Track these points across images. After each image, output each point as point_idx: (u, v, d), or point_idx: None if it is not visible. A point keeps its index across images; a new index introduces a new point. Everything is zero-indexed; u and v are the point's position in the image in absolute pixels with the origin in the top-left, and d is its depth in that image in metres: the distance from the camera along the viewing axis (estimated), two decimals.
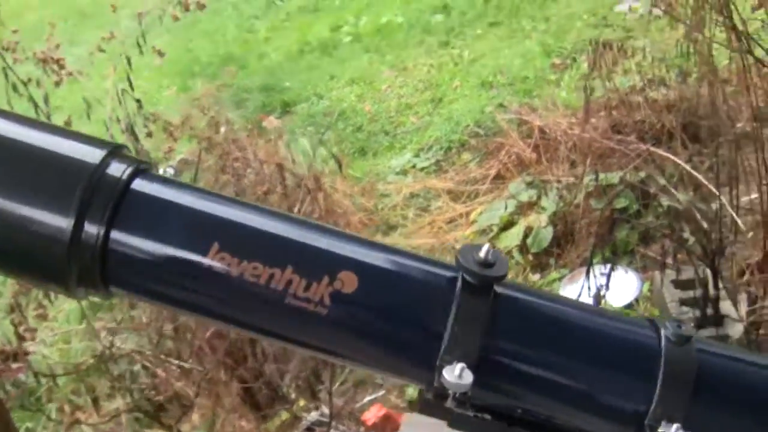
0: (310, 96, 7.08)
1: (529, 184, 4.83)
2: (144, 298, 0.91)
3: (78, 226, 0.78)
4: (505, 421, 0.87)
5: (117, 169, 0.81)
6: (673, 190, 4.04)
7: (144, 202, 0.83)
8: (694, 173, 4.15)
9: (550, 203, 4.58)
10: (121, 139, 4.50)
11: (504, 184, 5.05)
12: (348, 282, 0.81)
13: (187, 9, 4.50)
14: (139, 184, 0.82)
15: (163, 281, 0.84)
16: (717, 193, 4.07)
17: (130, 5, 5.45)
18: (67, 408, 3.52)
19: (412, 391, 3.86)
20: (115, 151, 0.82)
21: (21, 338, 2.72)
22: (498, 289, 0.83)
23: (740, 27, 3.72)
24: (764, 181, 4.02)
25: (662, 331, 0.85)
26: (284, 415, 3.71)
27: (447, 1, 7.99)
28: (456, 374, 0.78)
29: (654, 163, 4.24)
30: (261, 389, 3.66)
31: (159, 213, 0.83)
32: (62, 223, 0.78)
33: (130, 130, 4.48)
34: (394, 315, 0.84)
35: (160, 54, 4.57)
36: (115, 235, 0.80)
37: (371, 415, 3.64)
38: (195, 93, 6.77)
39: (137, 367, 3.76)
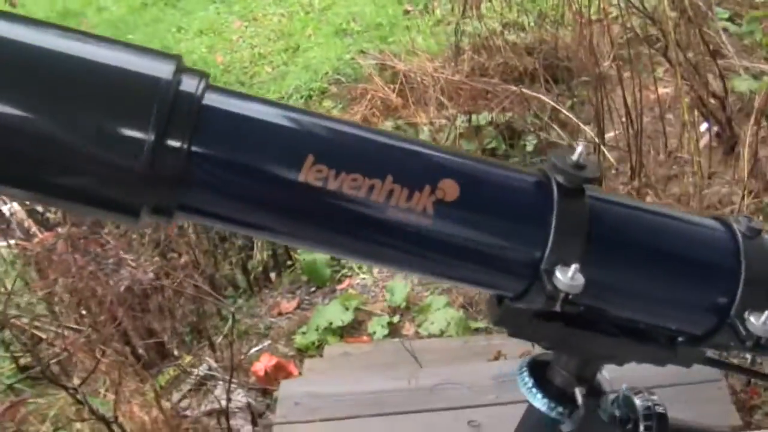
0: (157, 48, 6.89)
1: (397, 128, 4.84)
2: (225, 221, 0.82)
3: (157, 147, 0.70)
4: (583, 326, 0.89)
5: (190, 84, 0.73)
6: (555, 127, 4.12)
7: (224, 117, 0.76)
8: (564, 111, 4.24)
9: None
10: None
11: None
12: (449, 190, 0.78)
13: None
14: (212, 99, 0.75)
15: (251, 201, 0.77)
16: (585, 130, 4.19)
17: None
18: None
19: (300, 339, 3.84)
20: (179, 64, 0.74)
21: None
22: (587, 191, 0.83)
23: None
24: (623, 118, 4.15)
25: (735, 227, 0.88)
26: (172, 371, 3.64)
27: None
28: (569, 276, 0.78)
29: (526, 103, 4.31)
30: (148, 347, 3.58)
31: (243, 127, 0.76)
32: (140, 144, 0.70)
33: None
34: (496, 221, 0.82)
35: (12, 5, 4.37)
36: (197, 153, 0.72)
37: (262, 365, 3.60)
38: None
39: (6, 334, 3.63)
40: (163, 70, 0.73)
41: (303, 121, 0.80)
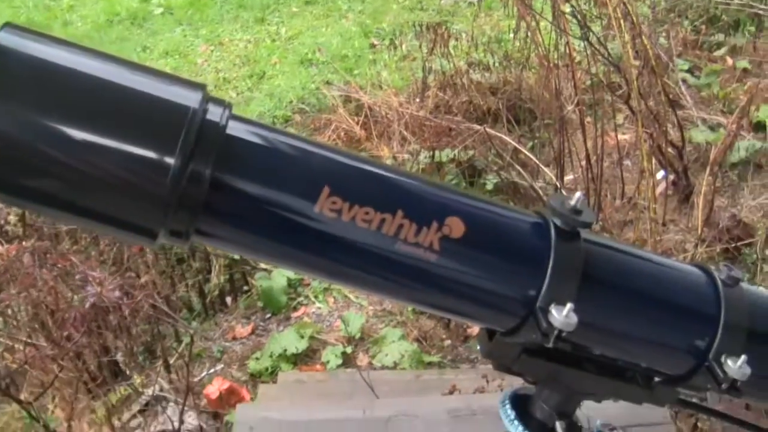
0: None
1: None
2: (239, 246, 0.86)
3: (182, 172, 0.73)
4: (568, 363, 0.93)
5: (216, 113, 0.77)
6: (516, 166, 4.17)
7: (247, 147, 0.80)
8: (527, 153, 4.30)
9: None
10: None
11: None
12: (455, 227, 0.82)
13: None
14: (235, 128, 0.78)
15: (267, 228, 0.80)
16: (546, 171, 4.25)
17: None
18: None
19: (253, 365, 3.84)
20: (205, 93, 0.78)
21: None
22: (583, 234, 0.87)
23: (578, 16, 3.88)
24: (583, 162, 4.22)
25: (716, 275, 0.92)
26: (124, 390, 3.62)
27: None
28: (564, 314, 0.82)
29: (488, 142, 4.36)
30: (102, 365, 3.56)
31: (264, 157, 0.80)
32: (166, 168, 0.72)
33: None
34: (498, 259, 0.87)
35: None
36: (218, 180, 0.76)
37: (214, 389, 3.59)
38: None
39: None
40: (192, 98, 0.76)
41: (319, 154, 0.83)
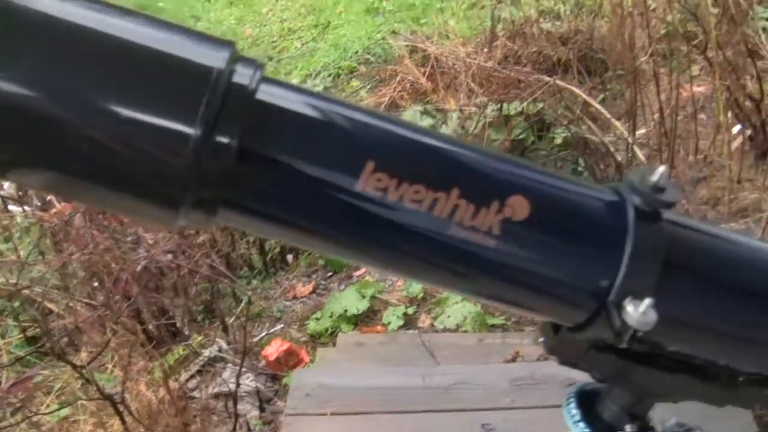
0: (187, 18, 6.82)
1: (425, 113, 4.75)
2: (269, 226, 0.75)
3: (205, 142, 0.63)
4: (642, 362, 0.81)
5: (244, 75, 0.66)
6: (587, 120, 4.02)
7: (280, 114, 0.69)
8: (597, 106, 4.15)
9: (449, 132, 4.52)
10: None
11: (398, 113, 4.96)
12: (519, 208, 0.70)
13: None
14: (267, 92, 0.68)
15: (302, 207, 0.70)
16: (617, 125, 4.10)
17: None
18: None
19: (313, 325, 3.78)
20: (233, 52, 0.66)
21: None
22: (665, 215, 0.75)
23: None
24: (656, 115, 4.06)
25: None
26: (182, 350, 3.58)
27: None
28: (641, 311, 0.70)
29: (558, 94, 4.21)
30: (159, 326, 3.52)
31: (299, 126, 0.69)
32: (186, 138, 0.62)
33: None
34: (566, 244, 0.74)
35: None
36: (247, 151, 0.65)
37: (273, 350, 3.54)
38: None
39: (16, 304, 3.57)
40: (216, 57, 0.65)
41: (363, 123, 0.72)
